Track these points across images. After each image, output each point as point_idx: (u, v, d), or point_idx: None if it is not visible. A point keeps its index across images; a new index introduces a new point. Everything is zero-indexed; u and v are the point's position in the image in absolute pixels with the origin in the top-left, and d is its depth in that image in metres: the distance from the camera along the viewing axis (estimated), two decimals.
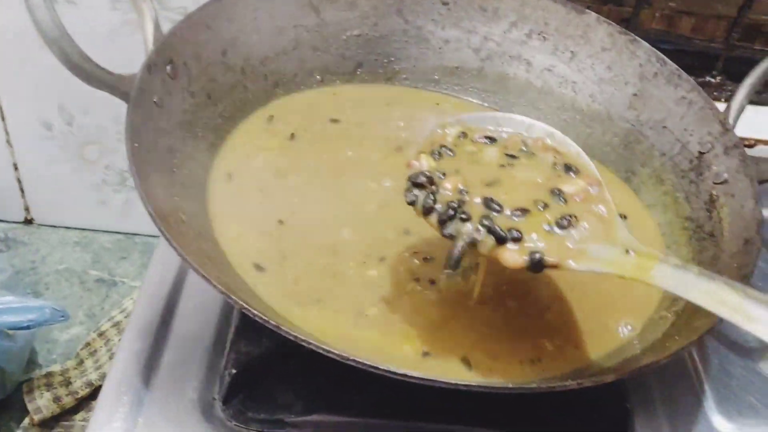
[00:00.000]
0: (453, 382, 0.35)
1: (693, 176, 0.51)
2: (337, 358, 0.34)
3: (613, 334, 0.43)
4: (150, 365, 0.47)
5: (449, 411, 0.45)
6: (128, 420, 0.44)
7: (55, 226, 0.87)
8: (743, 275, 0.41)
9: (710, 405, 0.48)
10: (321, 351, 0.34)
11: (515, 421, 0.45)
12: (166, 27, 0.48)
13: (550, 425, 0.45)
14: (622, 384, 0.47)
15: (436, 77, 0.61)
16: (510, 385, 0.38)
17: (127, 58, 0.47)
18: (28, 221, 0.87)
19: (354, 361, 0.34)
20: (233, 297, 0.35)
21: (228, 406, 0.44)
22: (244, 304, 0.35)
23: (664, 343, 0.40)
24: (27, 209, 0.86)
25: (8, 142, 0.80)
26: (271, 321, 0.34)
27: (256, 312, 0.35)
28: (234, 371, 0.44)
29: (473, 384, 0.36)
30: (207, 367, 0.47)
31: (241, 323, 0.48)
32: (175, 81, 0.48)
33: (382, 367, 0.34)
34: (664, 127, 0.54)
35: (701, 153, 0.51)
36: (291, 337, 0.34)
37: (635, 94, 0.56)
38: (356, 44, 0.59)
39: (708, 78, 0.76)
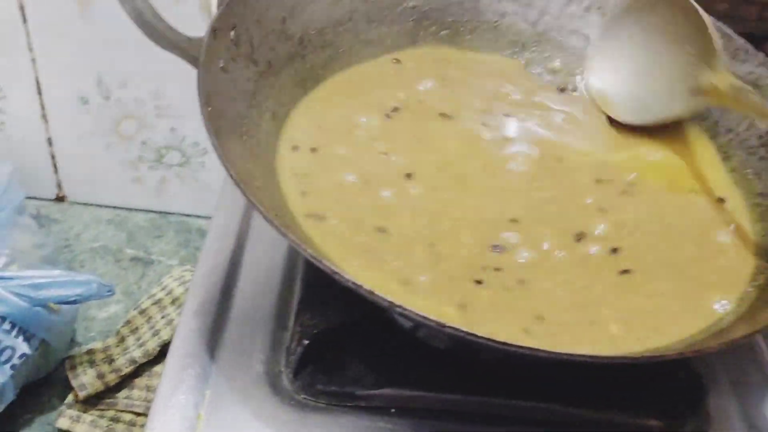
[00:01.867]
0: (564, 352, 0.34)
1: (763, 152, 0.50)
2: (433, 324, 0.33)
3: (707, 310, 0.42)
4: (214, 339, 0.46)
5: (514, 386, 0.44)
6: (195, 392, 0.43)
7: (87, 204, 0.86)
8: None
9: None
10: (407, 313, 0.33)
11: (589, 398, 0.44)
12: None
13: (621, 402, 0.44)
14: (693, 367, 0.47)
15: (489, 49, 0.60)
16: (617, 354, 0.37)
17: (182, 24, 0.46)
18: (60, 198, 0.86)
19: (452, 328, 0.33)
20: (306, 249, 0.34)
21: (297, 379, 0.43)
22: (335, 269, 0.34)
23: (753, 316, 0.39)
24: (59, 186, 0.85)
25: (43, 116, 0.79)
26: (360, 284, 0.33)
27: (348, 277, 0.34)
28: (306, 342, 0.43)
29: (585, 355, 0.35)
30: (271, 340, 0.46)
31: (306, 295, 0.47)
32: (239, 48, 0.47)
33: (481, 335, 0.33)
34: None
35: None
36: (366, 294, 0.33)
37: None
38: (411, 16, 0.58)
39: None
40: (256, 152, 0.45)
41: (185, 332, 0.46)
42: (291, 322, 0.46)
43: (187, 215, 0.86)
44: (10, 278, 0.57)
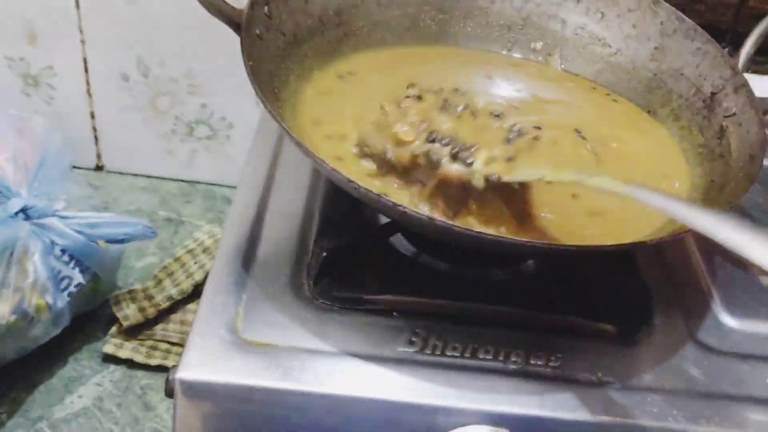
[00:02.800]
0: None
1: (706, 113, 0.60)
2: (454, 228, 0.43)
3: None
4: (248, 257, 0.55)
5: (490, 294, 0.54)
6: (234, 295, 0.53)
7: (123, 173, 0.96)
8: (750, 181, 0.50)
9: (717, 305, 0.57)
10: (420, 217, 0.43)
11: (555, 304, 0.54)
12: None
13: (582, 309, 0.54)
14: (643, 282, 0.56)
15: (482, 35, 0.70)
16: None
17: None
18: (99, 168, 0.96)
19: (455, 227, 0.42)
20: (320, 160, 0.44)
21: (316, 287, 0.53)
22: (349, 178, 0.44)
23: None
24: (99, 156, 0.95)
25: (88, 92, 0.89)
26: (368, 190, 0.43)
27: (361, 185, 0.43)
28: (323, 255, 0.53)
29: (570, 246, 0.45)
30: (295, 258, 0.56)
31: (323, 222, 0.57)
32: (271, 20, 0.57)
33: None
34: (682, 74, 0.63)
35: (713, 93, 0.60)
36: (390, 204, 0.43)
37: (656, 48, 0.65)
38: (415, 2, 0.68)
39: None
40: (285, 102, 0.55)
41: (225, 252, 0.56)
42: (311, 244, 0.56)
43: (213, 184, 0.96)
44: (70, 217, 0.67)
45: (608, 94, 0.66)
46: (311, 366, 0.48)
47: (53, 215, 0.66)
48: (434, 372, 0.49)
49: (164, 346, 0.73)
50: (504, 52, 0.70)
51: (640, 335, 0.54)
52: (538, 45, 0.70)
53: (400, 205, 0.43)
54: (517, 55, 0.70)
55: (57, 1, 0.82)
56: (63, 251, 0.66)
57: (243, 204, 0.60)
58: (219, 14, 0.52)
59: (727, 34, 0.86)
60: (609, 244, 0.46)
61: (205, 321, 0.51)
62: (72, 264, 0.67)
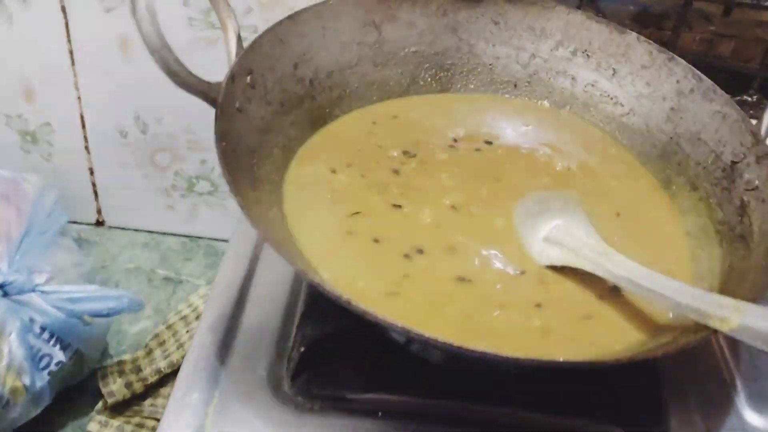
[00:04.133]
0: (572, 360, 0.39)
1: (725, 183, 0.55)
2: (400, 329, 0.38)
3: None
4: (225, 347, 0.52)
5: (493, 393, 0.49)
6: (206, 392, 0.49)
7: (124, 228, 0.93)
8: None
9: (741, 400, 0.51)
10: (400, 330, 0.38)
11: (557, 406, 0.49)
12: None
13: (586, 410, 0.49)
14: (656, 377, 0.51)
15: (485, 91, 0.66)
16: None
17: (203, 70, 0.52)
18: (100, 223, 0.94)
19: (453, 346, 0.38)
20: (309, 275, 0.40)
21: (294, 383, 0.49)
22: (319, 282, 0.39)
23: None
24: (99, 211, 0.93)
25: (86, 148, 0.87)
26: (342, 297, 0.39)
27: (328, 289, 0.39)
28: (302, 349, 0.49)
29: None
30: (276, 350, 0.52)
31: (307, 310, 0.52)
32: (254, 90, 0.53)
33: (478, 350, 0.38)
34: (699, 138, 0.58)
35: (734, 162, 0.55)
36: (360, 313, 0.39)
37: (672, 109, 0.60)
38: (413, 60, 0.64)
39: (745, 97, 0.79)
40: (265, 180, 0.51)
41: (200, 341, 0.52)
42: (293, 333, 0.52)
43: (215, 239, 0.93)
44: (51, 292, 0.64)
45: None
46: None
47: (33, 290, 0.63)
48: None
49: (151, 423, 0.70)
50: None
51: None
52: (545, 103, 0.66)
53: (370, 313, 0.38)
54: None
55: (52, 59, 0.80)
56: (43, 329, 0.63)
57: (224, 286, 0.56)
58: (193, 91, 0.49)
59: (754, 81, 0.80)
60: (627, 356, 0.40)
61: (172, 424, 0.47)
62: (52, 341, 0.64)
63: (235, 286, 0.56)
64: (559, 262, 0.49)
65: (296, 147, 0.56)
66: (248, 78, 0.53)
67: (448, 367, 0.51)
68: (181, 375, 0.50)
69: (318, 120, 0.59)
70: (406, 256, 0.49)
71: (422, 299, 0.47)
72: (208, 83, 0.50)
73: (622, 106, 0.63)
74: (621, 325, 0.46)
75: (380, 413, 0.48)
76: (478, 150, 0.60)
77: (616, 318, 0.47)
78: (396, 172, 0.56)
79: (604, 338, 0.46)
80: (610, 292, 0.48)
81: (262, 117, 0.54)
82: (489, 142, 0.61)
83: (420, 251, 0.49)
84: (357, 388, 0.49)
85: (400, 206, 0.53)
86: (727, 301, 0.41)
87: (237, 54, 0.52)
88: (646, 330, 0.46)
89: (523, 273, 0.49)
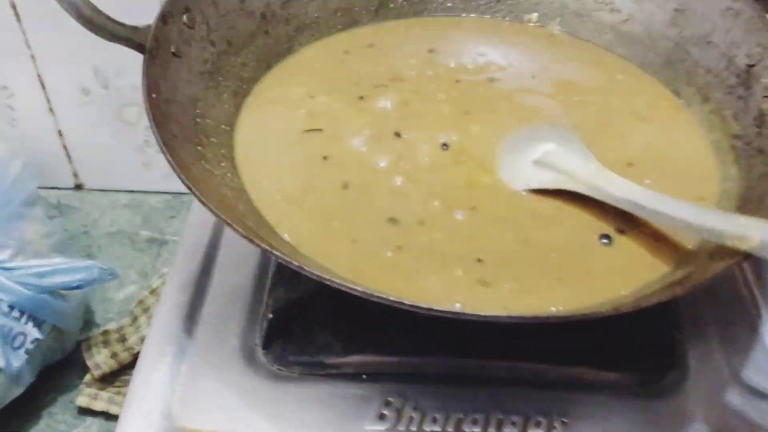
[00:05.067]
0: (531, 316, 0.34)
1: (741, 91, 0.48)
2: (364, 296, 0.34)
3: None
4: (192, 316, 0.47)
5: (485, 345, 0.44)
6: (172, 368, 0.45)
7: (104, 190, 0.89)
8: None
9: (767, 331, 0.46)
10: (347, 289, 0.34)
11: (557, 354, 0.44)
12: None
13: (596, 357, 0.44)
14: (672, 317, 0.46)
15: (463, 6, 0.59)
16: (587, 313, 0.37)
17: (140, 11, 0.46)
18: (78, 186, 0.89)
19: (380, 298, 0.33)
20: (256, 240, 0.35)
21: (269, 351, 0.45)
22: (268, 247, 0.35)
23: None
24: (75, 175, 0.88)
25: (50, 109, 0.81)
26: (294, 261, 0.34)
27: (278, 253, 0.34)
28: (271, 316, 0.44)
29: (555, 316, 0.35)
30: (247, 317, 0.47)
31: (278, 271, 0.48)
32: (193, 30, 0.47)
33: (407, 302, 0.33)
34: (709, 42, 0.51)
35: (749, 66, 0.48)
36: (314, 277, 0.34)
37: (677, 10, 0.53)
38: None
39: None
40: (211, 133, 0.45)
41: (165, 311, 0.48)
42: (265, 296, 0.47)
43: None
44: (15, 268, 0.60)
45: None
46: None
47: None
48: None
49: None
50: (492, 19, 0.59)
51: (667, 383, 0.43)
52: (534, 16, 0.59)
53: (327, 279, 0.33)
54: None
55: None
56: (11, 307, 0.59)
57: (189, 249, 0.52)
58: (114, 39, 0.43)
59: None
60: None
61: (136, 406, 0.43)
62: (24, 319, 0.60)
63: (201, 246, 0.52)
64: (551, 185, 0.44)
65: (250, 89, 0.50)
66: (184, 17, 0.47)
67: (432, 320, 0.46)
68: (144, 350, 0.46)
69: (274, 57, 0.53)
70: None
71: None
72: (134, 27, 0.44)
73: (620, 12, 0.56)
74: (631, 265, 0.41)
75: (364, 376, 0.44)
76: (475, 82, 0.53)
77: (623, 260, 0.41)
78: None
79: (610, 282, 0.40)
80: (617, 231, 0.43)
81: (205, 60, 0.48)
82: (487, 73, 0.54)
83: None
84: (336, 351, 0.44)
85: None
86: (745, 219, 0.37)
87: None
88: (655, 270, 0.41)
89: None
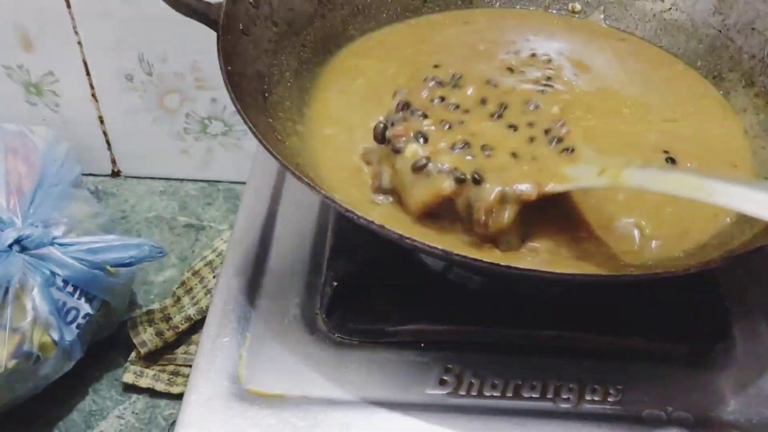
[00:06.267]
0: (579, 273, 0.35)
1: None
2: (440, 252, 0.35)
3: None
4: (253, 287, 0.49)
5: (535, 316, 0.46)
6: (237, 335, 0.46)
7: (140, 177, 0.90)
8: None
9: None
10: (428, 249, 0.35)
11: (612, 324, 0.45)
12: None
13: (646, 328, 0.45)
14: (717, 287, 0.47)
15: None
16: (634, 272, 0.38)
17: None
18: (116, 173, 0.91)
19: (459, 256, 0.34)
20: (336, 201, 0.36)
21: (330, 319, 0.46)
22: (348, 208, 0.36)
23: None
24: (114, 162, 0.90)
25: (93, 96, 0.83)
26: (371, 220, 0.35)
27: (361, 215, 0.36)
28: (335, 284, 0.46)
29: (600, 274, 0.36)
30: (306, 287, 0.49)
31: (337, 242, 0.49)
32: (258, 10, 0.49)
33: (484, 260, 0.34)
34: (753, 28, 0.52)
35: None
36: (387, 235, 0.35)
37: None
38: None
39: None
40: (278, 108, 0.47)
41: (227, 282, 0.49)
42: (324, 268, 0.49)
43: (234, 182, 0.89)
44: (70, 244, 0.62)
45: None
46: (326, 421, 0.42)
47: (51, 244, 0.61)
48: (471, 419, 0.42)
49: (186, 370, 0.68)
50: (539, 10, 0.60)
51: (717, 355, 0.45)
52: (577, 5, 0.60)
53: (408, 238, 0.35)
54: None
55: (47, 3, 0.76)
56: (66, 282, 0.61)
57: (246, 224, 0.53)
58: (191, 13, 0.45)
59: None
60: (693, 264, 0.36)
61: (204, 370, 0.44)
62: (77, 294, 0.62)
63: (257, 225, 0.53)
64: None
65: (314, 69, 0.52)
66: None
67: (490, 292, 0.47)
68: (209, 320, 0.48)
69: (330, 42, 0.55)
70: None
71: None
72: (208, 3, 0.46)
73: (663, 1, 0.57)
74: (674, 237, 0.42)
75: (422, 344, 0.45)
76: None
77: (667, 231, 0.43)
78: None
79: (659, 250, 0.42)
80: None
81: (269, 39, 0.49)
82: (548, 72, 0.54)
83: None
84: (396, 319, 0.46)
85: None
86: None
87: None
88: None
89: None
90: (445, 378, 0.44)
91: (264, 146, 0.38)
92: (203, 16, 0.45)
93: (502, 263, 0.34)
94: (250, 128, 0.39)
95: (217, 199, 0.87)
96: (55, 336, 0.60)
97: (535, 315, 0.46)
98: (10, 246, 0.59)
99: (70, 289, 0.61)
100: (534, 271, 0.34)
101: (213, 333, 0.46)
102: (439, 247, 0.34)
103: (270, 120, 0.45)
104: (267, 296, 0.48)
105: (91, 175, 0.89)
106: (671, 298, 0.45)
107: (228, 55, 0.44)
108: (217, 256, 0.75)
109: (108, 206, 0.86)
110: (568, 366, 0.44)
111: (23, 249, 0.60)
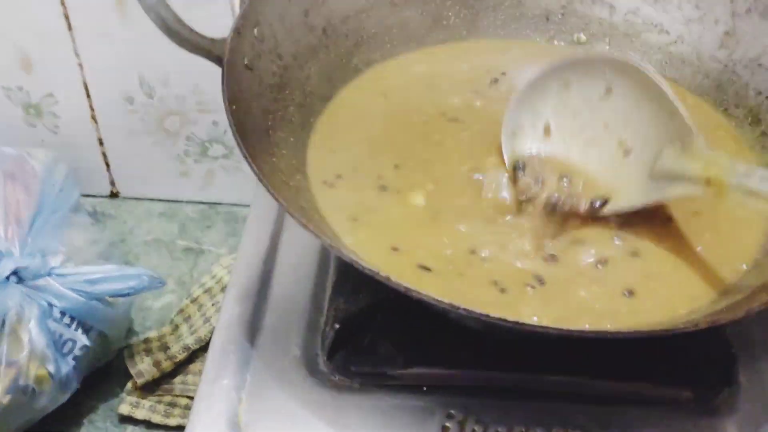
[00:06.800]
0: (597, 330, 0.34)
1: None
2: (447, 307, 0.34)
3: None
4: (253, 326, 0.48)
5: (545, 359, 0.45)
6: (237, 377, 0.45)
7: (139, 199, 0.90)
8: None
9: None
10: (433, 301, 0.34)
11: (617, 369, 0.45)
12: None
13: (651, 373, 0.45)
14: (724, 334, 0.46)
15: (516, 27, 0.60)
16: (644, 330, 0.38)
17: (203, 25, 0.47)
18: (114, 194, 0.90)
19: (465, 310, 0.34)
20: (336, 246, 0.36)
21: (332, 361, 0.45)
22: (354, 258, 0.35)
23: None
24: (113, 183, 0.89)
25: (93, 117, 0.82)
26: (376, 270, 0.35)
27: (363, 264, 0.35)
28: (337, 326, 0.45)
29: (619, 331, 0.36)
30: (307, 326, 0.48)
31: (339, 281, 0.48)
32: (263, 43, 0.49)
33: (493, 315, 0.34)
34: (759, 64, 0.52)
35: None
36: (394, 286, 0.35)
37: (726, 33, 0.54)
38: None
39: None
40: (282, 146, 0.46)
41: (227, 320, 0.49)
42: (325, 308, 0.48)
43: (234, 205, 0.89)
44: (68, 275, 0.61)
45: None
46: None
47: (49, 274, 0.60)
48: None
49: (184, 401, 0.67)
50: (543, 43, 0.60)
51: (722, 401, 0.44)
52: (582, 36, 0.60)
53: (413, 290, 0.34)
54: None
55: (48, 25, 0.75)
56: (63, 313, 0.60)
57: (247, 261, 0.52)
58: (195, 50, 0.44)
59: None
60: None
61: (203, 414, 0.44)
62: (74, 326, 0.61)
63: (259, 257, 0.52)
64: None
65: (317, 104, 0.52)
66: (255, 30, 0.48)
67: (493, 336, 0.47)
68: (209, 358, 0.47)
69: (336, 71, 0.54)
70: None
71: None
72: (212, 40, 0.45)
73: (668, 34, 0.57)
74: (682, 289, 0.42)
75: (425, 388, 0.44)
76: None
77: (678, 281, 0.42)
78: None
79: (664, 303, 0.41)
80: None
81: (273, 73, 0.49)
82: None
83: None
84: (398, 362, 0.45)
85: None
86: None
87: (241, 5, 0.47)
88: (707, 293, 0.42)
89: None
90: (447, 424, 0.43)
91: (270, 193, 0.37)
92: (208, 53, 0.44)
93: (510, 318, 0.33)
94: (255, 173, 0.38)
95: (217, 222, 0.87)
96: (51, 369, 0.59)
97: (539, 359, 0.45)
98: (8, 277, 0.58)
99: (67, 320, 0.60)
100: (543, 327, 0.34)
101: (212, 376, 0.46)
102: (446, 300, 0.34)
103: (274, 159, 0.44)
104: (268, 334, 0.48)
105: (89, 196, 0.88)
106: (677, 343, 0.44)
107: (234, 92, 0.43)
108: (216, 283, 0.74)
109: (106, 228, 0.85)
110: (573, 411, 0.43)
111: (20, 280, 0.59)
